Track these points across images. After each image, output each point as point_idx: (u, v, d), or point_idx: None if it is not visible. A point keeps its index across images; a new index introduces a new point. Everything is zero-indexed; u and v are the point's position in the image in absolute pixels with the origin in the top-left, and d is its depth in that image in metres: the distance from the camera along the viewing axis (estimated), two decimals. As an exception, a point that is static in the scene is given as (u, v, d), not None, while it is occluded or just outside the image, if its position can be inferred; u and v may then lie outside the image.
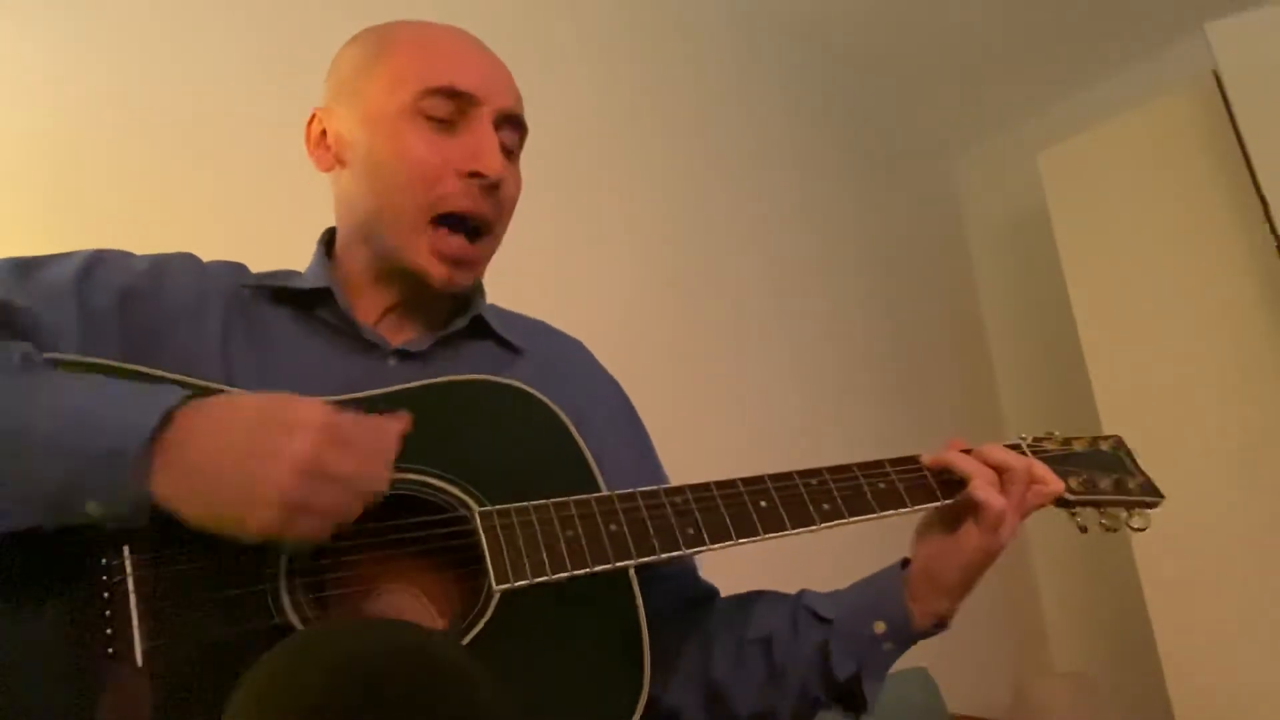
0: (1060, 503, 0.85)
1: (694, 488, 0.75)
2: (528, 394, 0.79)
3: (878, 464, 0.82)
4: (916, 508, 0.81)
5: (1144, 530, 0.85)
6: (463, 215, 0.81)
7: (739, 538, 0.74)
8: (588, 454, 0.78)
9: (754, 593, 0.90)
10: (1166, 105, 2.46)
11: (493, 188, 0.81)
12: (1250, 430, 2.17)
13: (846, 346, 2.71)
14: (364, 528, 0.65)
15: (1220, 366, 2.24)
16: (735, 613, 0.88)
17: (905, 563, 0.84)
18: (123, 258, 0.80)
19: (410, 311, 0.87)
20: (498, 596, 0.66)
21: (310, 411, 0.61)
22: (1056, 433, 0.91)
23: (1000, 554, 0.79)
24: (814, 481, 0.79)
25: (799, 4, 2.77)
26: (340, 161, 0.85)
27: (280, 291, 0.84)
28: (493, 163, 0.80)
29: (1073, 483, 0.85)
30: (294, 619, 0.63)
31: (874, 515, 0.79)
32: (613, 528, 0.71)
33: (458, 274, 0.83)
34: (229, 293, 0.82)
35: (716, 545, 0.73)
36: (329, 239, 0.90)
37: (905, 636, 0.80)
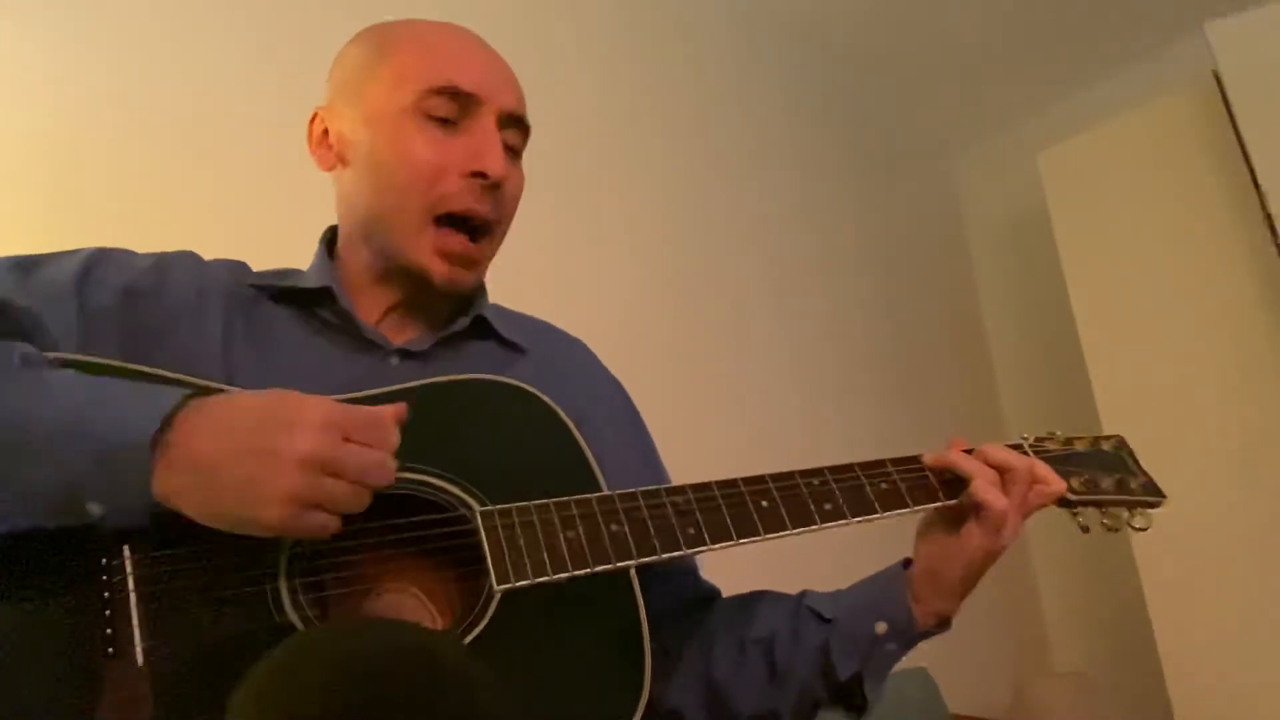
0: (1062, 503, 0.84)
1: (695, 487, 0.75)
2: (528, 393, 0.79)
3: (879, 464, 0.82)
4: (918, 508, 0.81)
5: (1146, 530, 0.85)
6: (464, 215, 0.81)
7: (740, 538, 0.74)
8: (588, 453, 0.78)
9: (755, 593, 0.90)
10: (1166, 105, 2.46)
11: (495, 187, 0.81)
12: (1250, 430, 2.17)
13: (846, 346, 2.71)
14: (364, 527, 0.65)
15: (1220, 366, 2.24)
16: (736, 613, 0.88)
17: (907, 563, 0.83)
18: (125, 255, 0.80)
19: (412, 311, 0.87)
20: (498, 596, 0.66)
21: (312, 406, 0.61)
22: (1058, 433, 0.91)
23: (1002, 554, 0.79)
24: (815, 481, 0.79)
25: (799, 4, 2.76)
26: (342, 161, 0.85)
27: (282, 291, 0.84)
28: (495, 163, 0.80)
29: (1075, 483, 0.85)
30: (294, 618, 0.62)
31: (876, 515, 0.79)
32: (614, 527, 0.71)
33: (460, 273, 0.83)
34: (230, 292, 0.82)
35: (718, 545, 0.73)
36: (330, 238, 0.90)
37: (907, 637, 0.80)
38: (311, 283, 0.84)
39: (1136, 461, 0.91)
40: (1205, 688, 2.11)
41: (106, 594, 0.60)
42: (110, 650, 0.58)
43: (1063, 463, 0.86)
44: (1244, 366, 2.21)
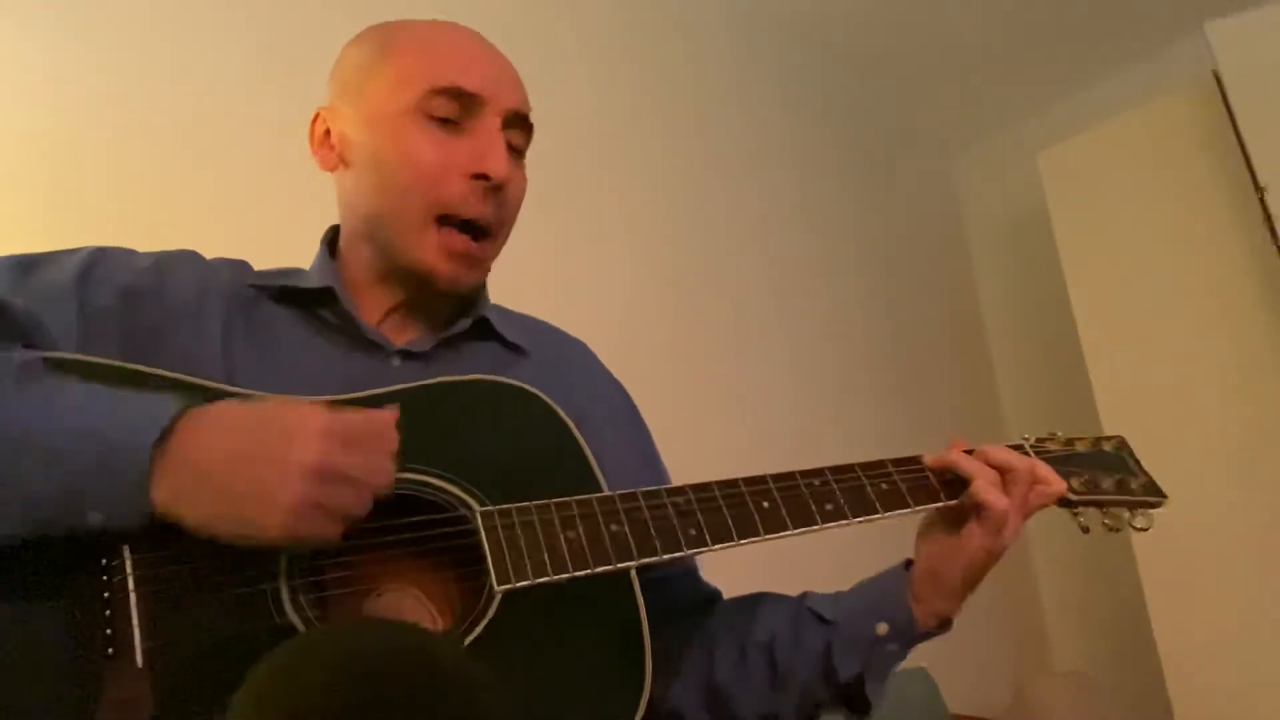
0: (1063, 503, 0.84)
1: (696, 488, 0.75)
2: (529, 393, 0.79)
3: (880, 464, 0.82)
4: (919, 508, 0.81)
5: (1147, 530, 0.85)
6: (467, 219, 0.81)
7: (741, 538, 0.74)
8: (589, 453, 0.78)
9: (756, 595, 0.90)
10: (1166, 105, 2.46)
11: (497, 189, 0.81)
12: (1250, 430, 2.17)
13: (846, 346, 2.71)
14: (364, 527, 0.65)
15: (1220, 366, 2.24)
16: (737, 615, 0.88)
17: (908, 564, 0.83)
18: (125, 255, 0.80)
19: (413, 312, 0.86)
20: (499, 597, 0.66)
21: (310, 414, 0.61)
22: (1059, 433, 0.91)
23: (1003, 554, 0.79)
24: (816, 482, 0.79)
25: (799, 4, 2.76)
26: (344, 162, 0.85)
27: (282, 290, 0.83)
28: (498, 165, 0.80)
29: (1075, 483, 0.85)
30: (295, 619, 0.62)
31: (876, 516, 0.79)
32: (614, 528, 0.70)
33: (464, 272, 0.83)
34: (231, 291, 0.82)
35: (719, 546, 0.73)
36: (332, 238, 0.90)
37: (908, 637, 0.80)
38: (313, 283, 0.83)
39: (1137, 462, 0.91)
40: (1205, 688, 2.11)
41: (106, 594, 0.59)
42: (110, 651, 0.58)
43: (1063, 463, 0.86)
44: (1244, 366, 2.21)
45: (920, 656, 0.85)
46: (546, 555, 0.68)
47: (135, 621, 0.59)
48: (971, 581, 0.79)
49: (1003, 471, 0.80)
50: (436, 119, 0.80)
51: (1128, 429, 0.96)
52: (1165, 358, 2.33)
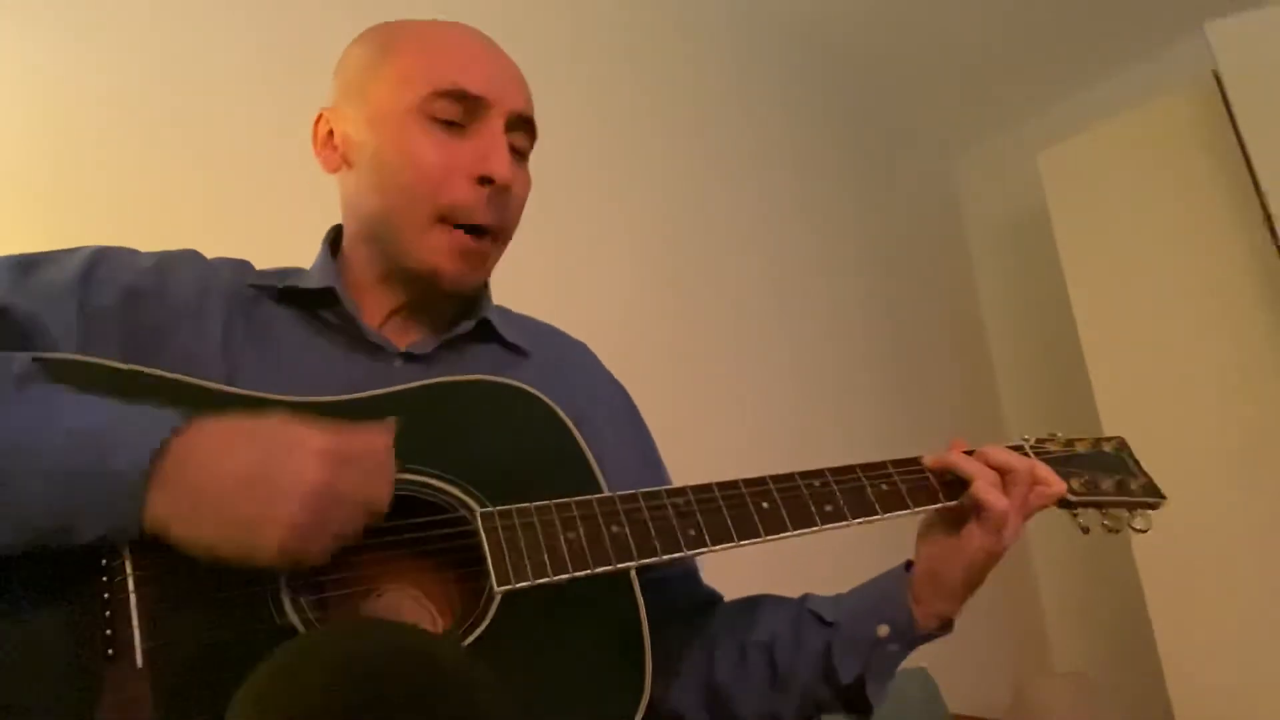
0: (1063, 504, 0.84)
1: (696, 489, 0.75)
2: (529, 394, 0.79)
3: (880, 465, 0.82)
4: (919, 509, 0.81)
5: (1146, 531, 0.85)
6: (470, 224, 0.81)
7: (741, 539, 0.74)
8: (589, 454, 0.78)
9: (756, 597, 0.90)
10: (1166, 105, 2.45)
11: (501, 192, 0.81)
12: (1250, 430, 2.17)
13: (846, 346, 2.71)
14: (364, 528, 0.65)
15: (1220, 366, 2.24)
16: (738, 616, 0.88)
17: (908, 565, 0.83)
18: (126, 255, 0.80)
19: (416, 313, 0.86)
20: (499, 598, 0.66)
21: (307, 435, 0.60)
22: (1059, 434, 0.91)
23: (1003, 555, 0.79)
24: (816, 483, 0.79)
25: (799, 4, 2.76)
26: (347, 162, 0.84)
27: (284, 291, 0.83)
28: (501, 167, 0.80)
29: (1075, 484, 0.85)
30: (295, 620, 0.62)
31: (876, 517, 0.79)
32: (614, 529, 0.70)
33: (468, 271, 0.82)
34: (232, 292, 0.81)
35: (719, 546, 0.73)
36: (335, 238, 0.90)
37: (909, 639, 0.80)
38: (314, 283, 0.83)
39: (1137, 463, 0.91)
40: (1205, 688, 2.11)
41: (106, 595, 0.59)
42: (110, 652, 0.58)
43: (1063, 464, 0.86)
44: (1244, 366, 2.20)
45: (920, 657, 0.85)
46: (546, 556, 0.68)
47: (135, 622, 0.59)
48: (972, 582, 0.79)
49: (1003, 472, 0.80)
50: (439, 121, 0.80)
51: (1128, 429, 0.96)
52: (1165, 358, 2.32)
